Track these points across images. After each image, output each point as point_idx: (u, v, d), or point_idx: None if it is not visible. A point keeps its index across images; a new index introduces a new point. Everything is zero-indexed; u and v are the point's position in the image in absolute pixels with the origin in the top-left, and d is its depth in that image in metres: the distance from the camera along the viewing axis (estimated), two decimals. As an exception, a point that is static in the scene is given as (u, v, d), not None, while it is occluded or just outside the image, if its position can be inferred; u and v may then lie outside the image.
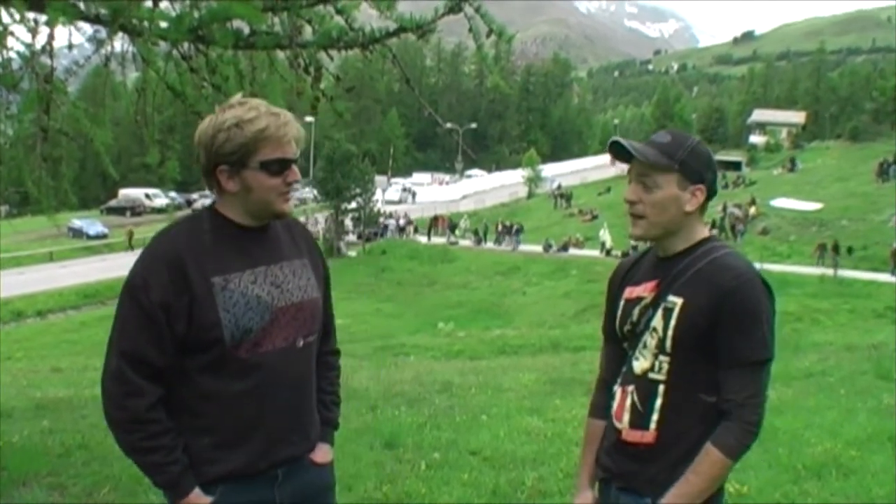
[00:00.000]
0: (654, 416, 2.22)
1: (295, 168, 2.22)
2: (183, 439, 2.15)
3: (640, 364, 2.26)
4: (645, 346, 2.25)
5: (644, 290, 2.29)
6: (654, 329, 2.22)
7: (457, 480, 5.19)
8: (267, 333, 2.18)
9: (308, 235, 2.47)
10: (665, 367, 2.20)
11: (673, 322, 2.17)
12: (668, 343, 2.18)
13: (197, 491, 2.15)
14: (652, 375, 2.23)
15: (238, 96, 2.28)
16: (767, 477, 5.21)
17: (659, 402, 2.21)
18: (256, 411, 2.19)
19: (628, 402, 2.28)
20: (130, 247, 46.29)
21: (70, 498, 4.75)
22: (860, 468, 5.43)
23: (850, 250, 37.21)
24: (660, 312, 2.21)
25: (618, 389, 2.35)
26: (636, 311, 2.29)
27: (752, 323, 2.12)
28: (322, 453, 2.39)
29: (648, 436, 2.22)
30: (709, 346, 2.14)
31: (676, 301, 2.18)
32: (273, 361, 2.20)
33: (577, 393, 9.22)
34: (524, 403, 8.42)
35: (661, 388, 2.21)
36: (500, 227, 50.93)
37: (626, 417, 2.28)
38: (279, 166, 2.17)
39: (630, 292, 2.34)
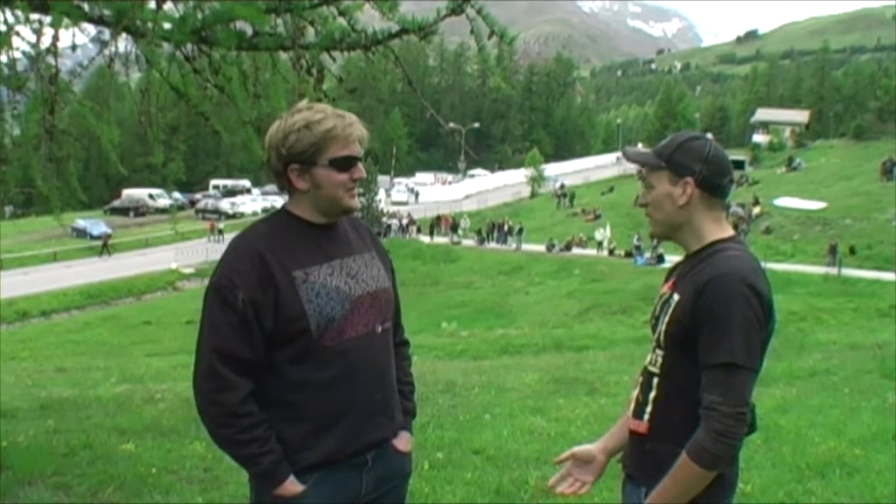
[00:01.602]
0: (648, 408, 2.28)
1: (360, 165, 2.35)
2: (275, 430, 2.25)
3: (647, 357, 2.35)
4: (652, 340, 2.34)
5: (667, 287, 2.36)
6: (660, 324, 2.29)
7: (460, 480, 5.20)
8: (348, 321, 2.31)
9: (371, 233, 2.62)
10: (659, 360, 2.27)
11: (666, 318, 2.24)
12: (662, 338, 2.25)
13: (292, 479, 2.25)
14: (651, 368, 2.31)
15: (304, 101, 2.43)
16: (771, 476, 5.22)
17: (653, 393, 2.28)
18: (345, 396, 2.31)
19: (635, 392, 2.37)
20: (107, 252, 45.66)
21: (75, 497, 4.76)
22: (864, 467, 5.43)
23: (852, 250, 37.08)
24: (666, 308, 2.28)
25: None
26: (658, 307, 2.36)
27: (718, 324, 2.10)
28: (404, 441, 2.51)
29: (642, 426, 2.29)
30: (692, 344, 2.17)
31: (675, 298, 2.24)
32: (357, 347, 2.33)
33: (580, 392, 9.23)
34: (527, 403, 8.42)
35: (656, 380, 2.28)
36: (506, 227, 50.86)
37: (632, 406, 2.36)
38: (346, 163, 2.32)
39: (661, 288, 2.41)
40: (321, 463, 2.29)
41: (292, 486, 2.25)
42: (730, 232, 2.31)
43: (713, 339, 2.10)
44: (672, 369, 2.23)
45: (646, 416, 2.27)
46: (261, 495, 2.32)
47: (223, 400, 2.20)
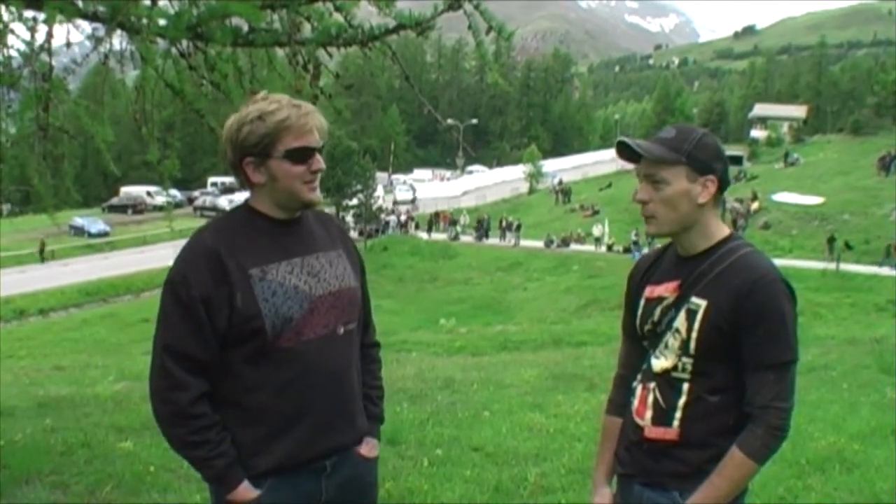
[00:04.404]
0: (678, 414, 2.22)
1: (319, 156, 2.27)
2: (229, 433, 2.18)
3: (660, 363, 2.26)
4: (667, 347, 2.24)
5: (666, 290, 2.27)
6: (677, 330, 2.21)
7: (459, 477, 5.19)
8: (307, 322, 2.23)
9: (341, 228, 2.53)
10: (689, 367, 2.20)
11: (697, 325, 2.17)
12: (693, 345, 2.18)
13: (245, 484, 2.18)
14: (675, 374, 2.23)
15: (263, 93, 2.34)
16: (771, 472, 5.19)
17: (683, 399, 2.21)
18: (301, 400, 2.23)
19: (650, 399, 2.28)
20: (42, 258, 43.41)
21: (72, 496, 4.75)
22: (863, 462, 5.43)
23: (848, 245, 37.05)
24: (683, 314, 2.20)
25: (638, 387, 2.35)
26: (658, 311, 2.28)
27: (773, 325, 2.10)
28: (369, 447, 2.45)
29: (672, 433, 2.22)
30: (731, 347, 2.13)
31: (700, 303, 2.17)
32: (315, 349, 2.24)
33: (578, 388, 9.22)
34: (526, 399, 8.41)
35: (686, 386, 2.21)
36: (504, 223, 50.93)
37: (649, 415, 2.28)
38: (302, 154, 2.22)
39: (651, 291, 2.32)
40: (276, 468, 2.21)
41: (246, 491, 2.18)
42: (726, 228, 2.29)
43: (769, 340, 2.10)
44: (706, 375, 2.18)
45: (675, 423, 2.21)
46: (217, 500, 2.25)
47: (174, 399, 2.13)
